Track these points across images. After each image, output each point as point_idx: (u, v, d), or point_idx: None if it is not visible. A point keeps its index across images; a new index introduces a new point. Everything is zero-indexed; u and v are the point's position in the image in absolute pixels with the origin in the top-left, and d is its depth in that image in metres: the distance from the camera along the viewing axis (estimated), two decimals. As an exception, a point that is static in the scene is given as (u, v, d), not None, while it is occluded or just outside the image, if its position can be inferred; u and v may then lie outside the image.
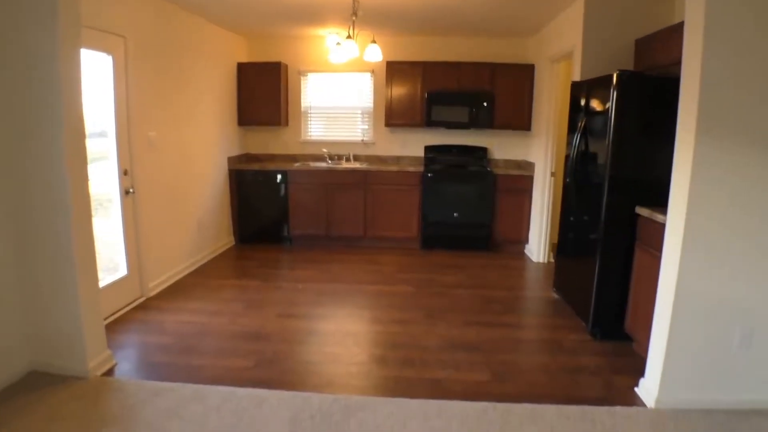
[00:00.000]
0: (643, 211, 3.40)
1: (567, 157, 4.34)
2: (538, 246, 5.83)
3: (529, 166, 6.25)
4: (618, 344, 3.63)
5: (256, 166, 6.32)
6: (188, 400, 2.76)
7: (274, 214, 6.32)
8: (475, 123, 6.26)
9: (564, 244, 4.51)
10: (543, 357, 3.45)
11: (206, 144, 5.60)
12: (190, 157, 5.22)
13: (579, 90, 4.18)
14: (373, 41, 5.02)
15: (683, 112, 2.72)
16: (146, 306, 4.20)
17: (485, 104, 6.18)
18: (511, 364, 3.32)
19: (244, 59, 6.51)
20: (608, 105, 3.55)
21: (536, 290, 4.89)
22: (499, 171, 6.14)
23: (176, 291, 4.57)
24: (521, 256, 6.10)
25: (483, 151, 6.61)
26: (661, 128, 3.45)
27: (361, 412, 2.67)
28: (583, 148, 4.00)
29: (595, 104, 3.82)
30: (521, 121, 6.30)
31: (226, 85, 6.08)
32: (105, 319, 3.77)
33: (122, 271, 4.15)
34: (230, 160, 6.25)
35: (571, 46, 4.70)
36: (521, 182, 6.09)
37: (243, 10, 5.04)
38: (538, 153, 5.86)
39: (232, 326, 3.83)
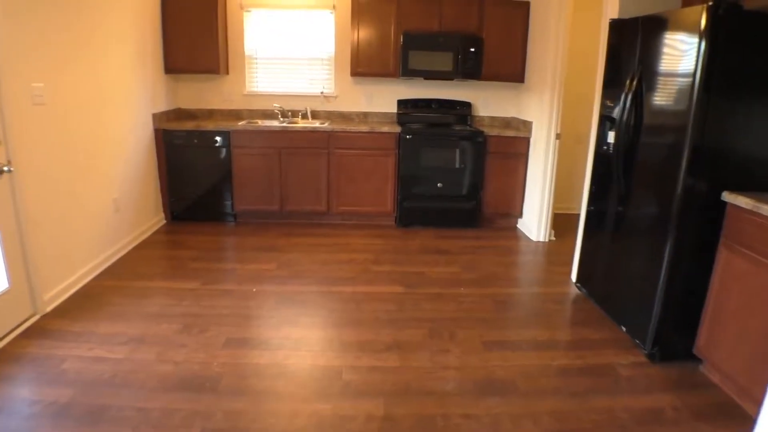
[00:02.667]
0: (737, 199, 2.48)
1: (603, 117, 3.38)
2: (537, 222, 4.90)
3: (522, 125, 5.26)
4: (683, 368, 2.79)
5: (189, 125, 4.98)
6: None
7: (214, 184, 5.08)
8: (459, 72, 5.15)
9: (592, 226, 3.59)
10: (603, 399, 2.53)
11: (122, 97, 4.22)
12: (100, 115, 3.86)
13: (627, 32, 3.13)
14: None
15: None
16: (40, 329, 2.97)
17: (472, 50, 5.07)
18: (568, 417, 2.38)
19: (169, -15, 5.03)
20: (689, 53, 2.54)
21: (552, 283, 3.95)
22: (488, 131, 5.11)
23: (84, 302, 3.34)
24: (514, 232, 5.19)
25: (466, 106, 5.55)
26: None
27: None
28: (635, 110, 3.01)
29: (663, 52, 2.79)
30: (513, 71, 5.26)
31: (148, 18, 4.64)
32: (-30, 363, 2.57)
33: (1, 283, 2.90)
34: (156, 117, 4.90)
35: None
36: (516, 145, 5.10)
37: None
38: (538, 110, 4.86)
39: (161, 365, 2.68)
